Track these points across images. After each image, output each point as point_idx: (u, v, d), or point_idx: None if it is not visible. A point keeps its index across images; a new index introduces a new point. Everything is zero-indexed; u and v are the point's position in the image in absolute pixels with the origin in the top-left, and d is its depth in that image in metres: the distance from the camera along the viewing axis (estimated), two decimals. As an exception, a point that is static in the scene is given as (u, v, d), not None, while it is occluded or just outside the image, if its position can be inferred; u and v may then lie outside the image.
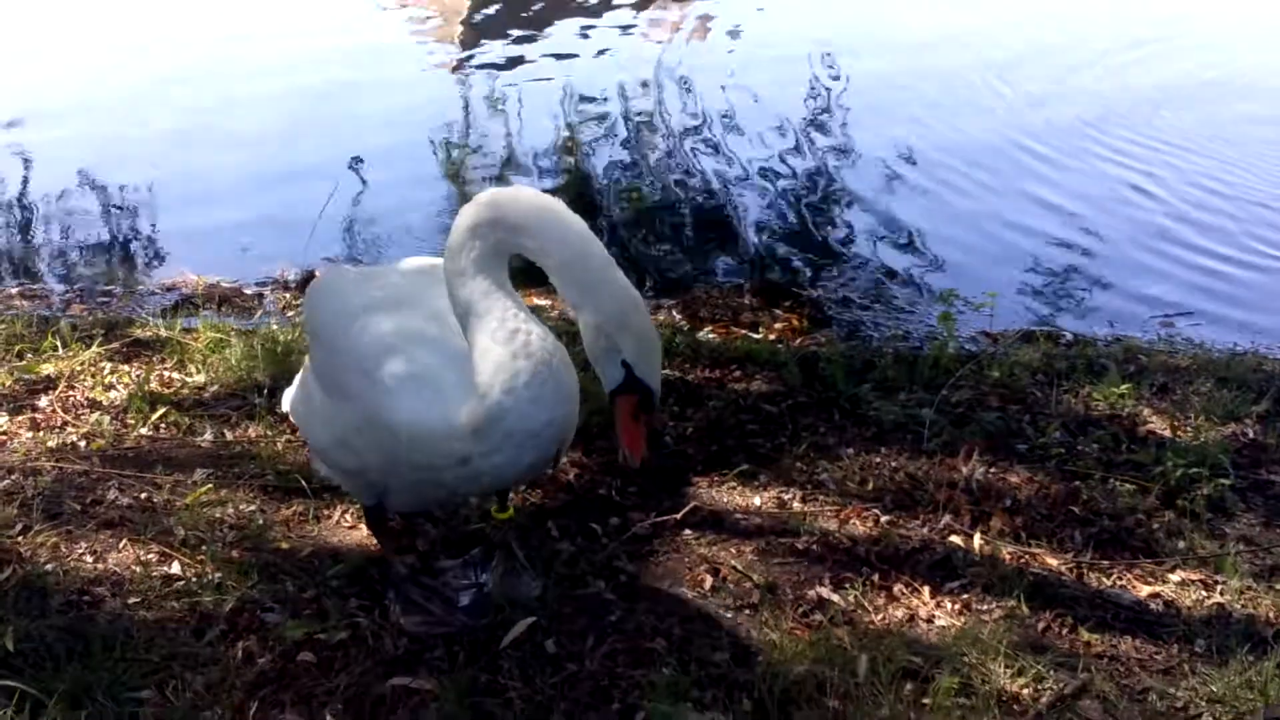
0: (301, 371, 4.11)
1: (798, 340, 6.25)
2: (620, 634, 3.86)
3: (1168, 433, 5.04)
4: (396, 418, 3.43)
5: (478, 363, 3.36)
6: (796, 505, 4.56)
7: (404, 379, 3.45)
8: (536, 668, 3.72)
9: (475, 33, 12.53)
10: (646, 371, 3.40)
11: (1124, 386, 5.35)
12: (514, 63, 11.71)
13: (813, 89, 10.58)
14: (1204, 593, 4.14)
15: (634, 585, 4.11)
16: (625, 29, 12.68)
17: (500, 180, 8.94)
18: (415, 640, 3.82)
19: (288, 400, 4.26)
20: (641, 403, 3.44)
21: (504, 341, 3.34)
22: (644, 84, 10.93)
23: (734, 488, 4.67)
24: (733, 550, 4.29)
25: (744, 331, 6.32)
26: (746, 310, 6.74)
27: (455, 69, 11.60)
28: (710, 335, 6.14)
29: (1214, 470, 4.66)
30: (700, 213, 8.27)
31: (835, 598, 4.04)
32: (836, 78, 10.80)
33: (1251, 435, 5.12)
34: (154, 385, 5.42)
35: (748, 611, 3.97)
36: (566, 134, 9.81)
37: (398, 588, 3.97)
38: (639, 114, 10.23)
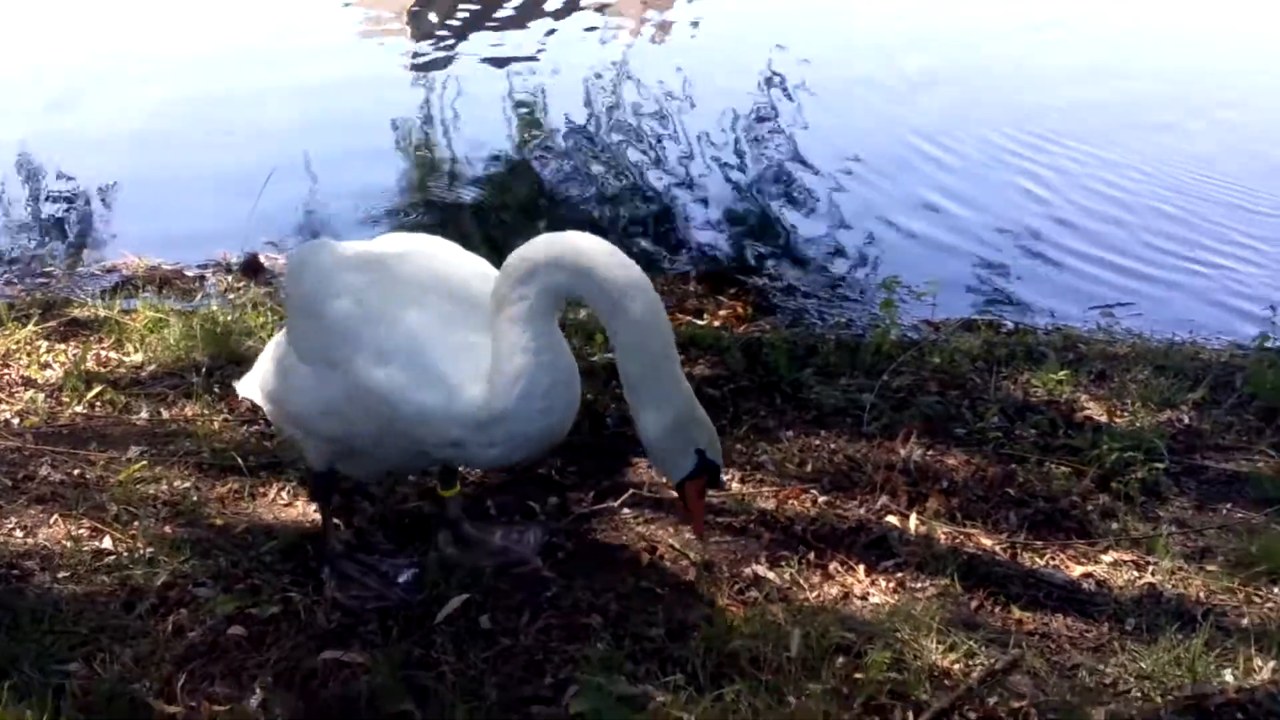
0: (271, 348, 4.06)
1: (742, 327, 6.26)
2: (556, 610, 3.86)
3: (1104, 418, 5.08)
4: (398, 395, 3.50)
5: (501, 361, 3.46)
6: (735, 485, 4.56)
7: (407, 357, 3.50)
8: (470, 642, 3.71)
9: (427, 28, 12.46)
10: (717, 453, 3.59)
11: (1062, 373, 5.39)
12: (466, 58, 11.67)
13: (761, 85, 10.59)
14: (1135, 573, 4.18)
15: (571, 562, 4.11)
16: (588, 28, 12.67)
17: (453, 166, 8.95)
18: (349, 614, 3.81)
19: (249, 383, 4.20)
20: (710, 481, 3.63)
21: (534, 351, 3.44)
22: (597, 77, 10.92)
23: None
24: (670, 529, 4.29)
25: (689, 318, 6.32)
26: (692, 298, 6.75)
27: (407, 64, 11.53)
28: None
29: (1149, 455, 4.71)
30: (648, 203, 8.29)
31: (771, 575, 4.04)
32: (784, 76, 10.82)
33: (1187, 421, 5.18)
34: (90, 364, 5.36)
35: (684, 588, 3.97)
36: (517, 126, 9.79)
37: (333, 562, 3.96)
38: (591, 107, 10.23)
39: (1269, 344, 5.62)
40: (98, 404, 5.03)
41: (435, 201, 8.35)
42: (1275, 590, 4.11)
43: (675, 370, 3.52)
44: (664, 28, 12.88)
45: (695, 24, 12.89)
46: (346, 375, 3.57)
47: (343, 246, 3.83)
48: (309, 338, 3.73)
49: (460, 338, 3.55)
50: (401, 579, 3.97)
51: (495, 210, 8.18)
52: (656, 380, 3.49)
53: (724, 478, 3.68)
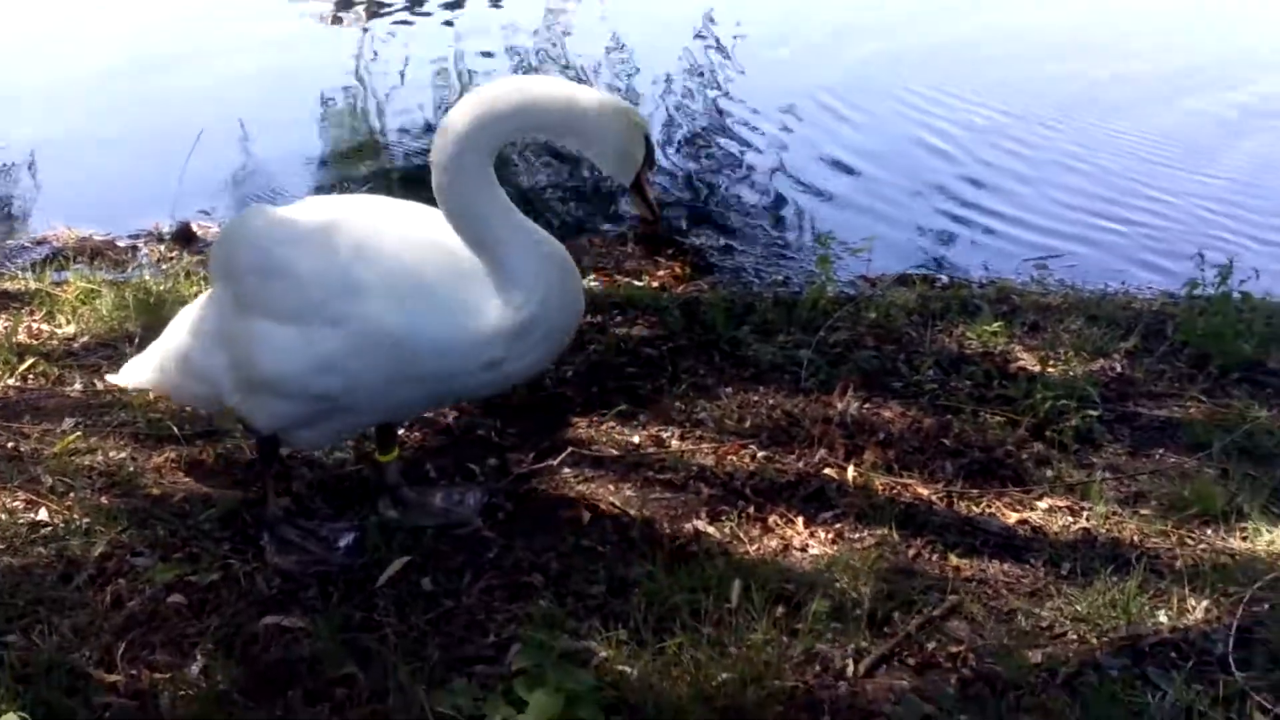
0: (194, 322, 3.99)
1: (680, 287, 6.28)
2: (497, 570, 3.87)
3: (1038, 368, 5.12)
4: (427, 334, 3.55)
5: (513, 271, 3.58)
6: (675, 443, 4.59)
7: (421, 294, 3.56)
8: (412, 604, 3.72)
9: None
10: (649, 131, 3.82)
11: (996, 325, 5.44)
12: (397, 23, 11.55)
13: (692, 46, 10.56)
14: (1070, 519, 4.24)
15: (512, 523, 4.12)
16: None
17: (384, 132, 8.89)
18: (289, 580, 3.80)
19: (144, 368, 4.18)
20: (650, 161, 3.84)
21: (534, 250, 3.62)
22: (534, 36, 10.86)
23: (613, 427, 4.68)
24: (610, 487, 4.31)
25: (627, 279, 6.32)
26: (630, 259, 6.75)
27: (334, 22, 11.43)
28: (593, 282, 6.13)
29: (1082, 403, 4.76)
30: (584, 164, 8.25)
31: (711, 530, 4.07)
32: (723, 35, 10.80)
33: (1119, 370, 5.24)
34: (22, 336, 5.30)
35: (625, 545, 3.99)
36: (452, 88, 9.72)
37: (273, 528, 3.95)
38: (528, 68, 10.17)
39: (1198, 292, 5.67)
40: (30, 376, 4.98)
41: (367, 167, 8.29)
42: (1207, 532, 4.19)
43: (592, 95, 3.69)
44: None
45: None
46: (354, 326, 3.55)
47: (283, 209, 3.84)
48: (284, 298, 3.65)
49: (450, 260, 3.62)
50: (342, 543, 3.97)
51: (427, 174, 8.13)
52: (592, 110, 3.64)
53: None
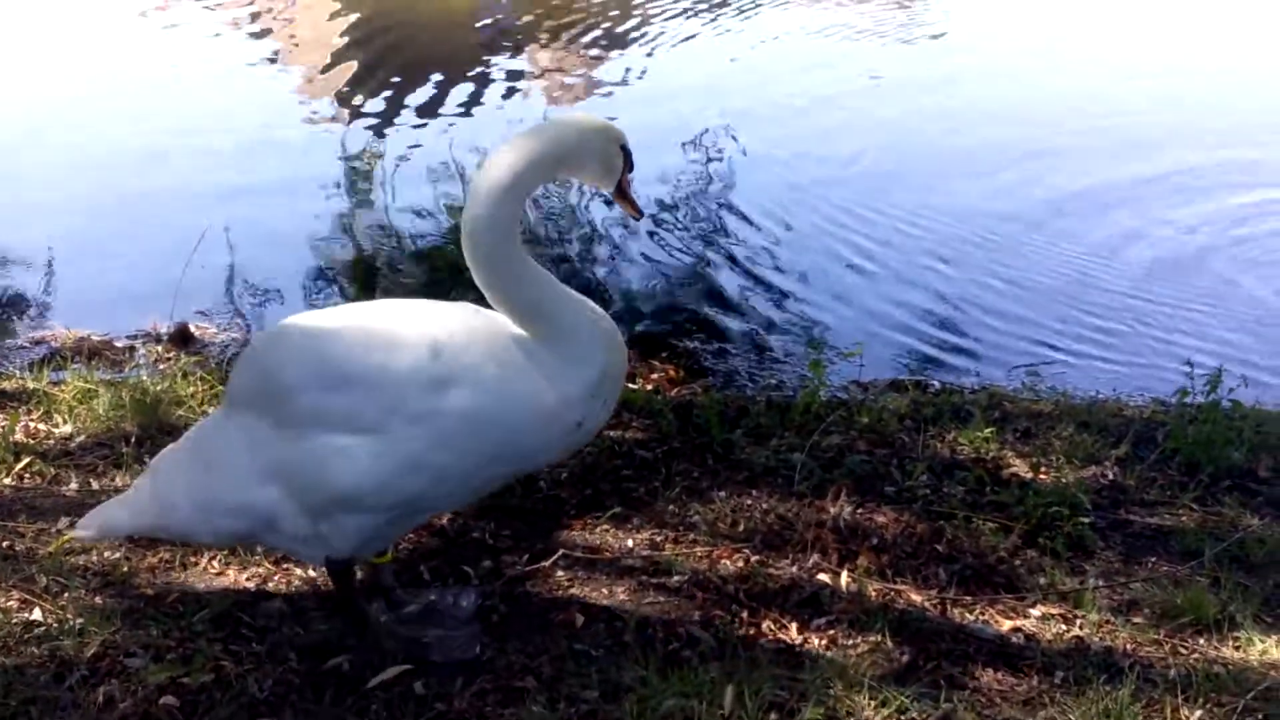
0: (210, 458, 3.82)
1: (674, 390, 6.31)
2: (490, 673, 3.86)
3: (1030, 475, 5.16)
4: (511, 412, 3.62)
5: (573, 332, 3.72)
6: (668, 546, 4.60)
7: (497, 377, 3.61)
8: (404, 707, 3.71)
9: (354, 91, 12.49)
10: (624, 140, 3.98)
11: (988, 431, 5.48)
12: (390, 120, 11.69)
13: (693, 148, 10.71)
14: (1064, 626, 4.25)
15: (505, 625, 4.12)
16: (509, 91, 12.74)
17: (385, 233, 8.96)
18: (281, 683, 3.78)
19: (121, 516, 3.98)
20: (629, 165, 4.01)
21: (580, 308, 3.77)
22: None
23: (607, 530, 4.69)
24: (604, 590, 4.31)
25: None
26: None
27: (336, 130, 11.56)
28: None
29: (1074, 510, 4.78)
30: (579, 266, 8.34)
31: (705, 635, 4.07)
32: (713, 143, 10.94)
33: (1111, 477, 5.27)
34: (19, 436, 5.31)
35: (618, 649, 3.99)
36: (446, 188, 9.83)
37: (390, 634, 3.98)
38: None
39: (1188, 400, 5.72)
40: (26, 475, 4.98)
41: (367, 268, 8.36)
42: (1200, 641, 4.20)
43: (570, 122, 3.94)
44: (589, 87, 12.96)
45: (609, 89, 12.94)
46: (440, 420, 3.55)
47: (308, 320, 3.83)
48: (354, 407, 3.57)
49: (503, 338, 3.70)
50: (465, 603, 4.13)
51: (428, 273, 8.24)
52: (575, 135, 3.85)
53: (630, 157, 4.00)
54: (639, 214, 4.19)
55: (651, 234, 8.83)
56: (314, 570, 4.35)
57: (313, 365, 3.64)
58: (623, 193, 4.01)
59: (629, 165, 3.97)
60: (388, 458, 3.56)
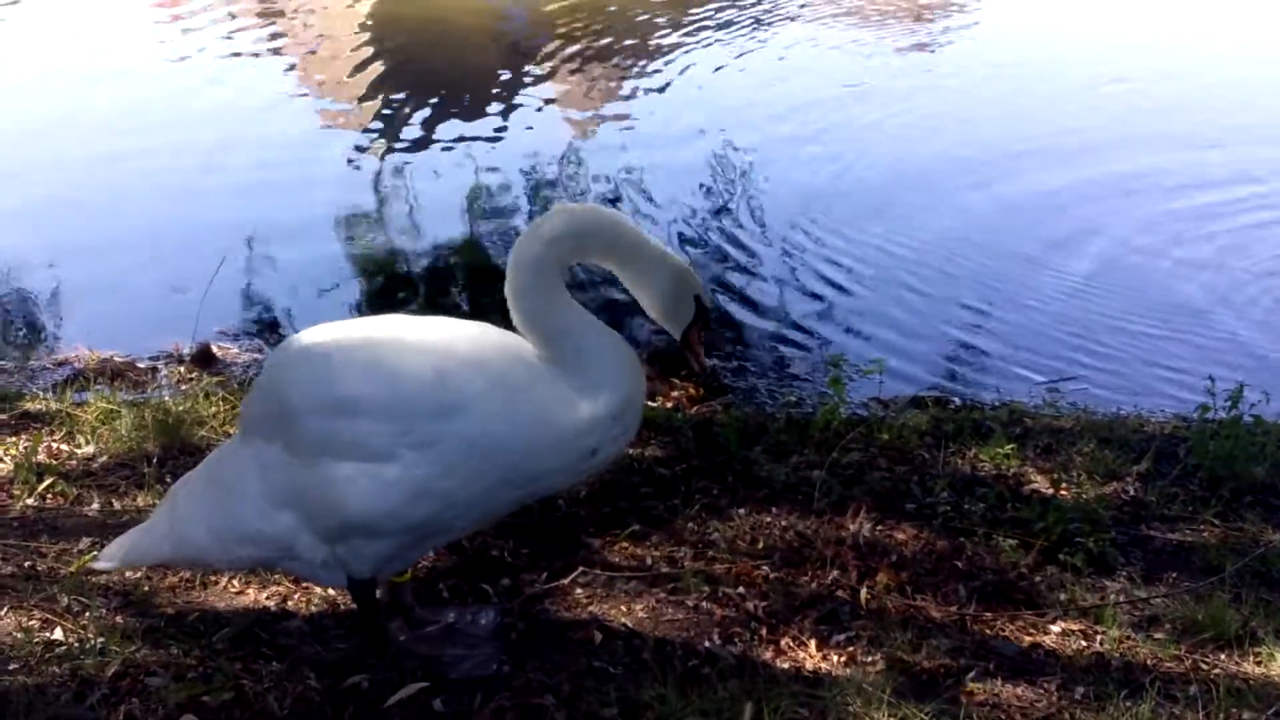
0: (226, 486, 3.84)
1: (693, 408, 6.31)
2: (509, 690, 3.86)
3: (1051, 491, 5.15)
4: (521, 437, 3.61)
5: (597, 359, 3.72)
6: (687, 564, 4.59)
7: (510, 403, 3.61)
8: (423, 726, 3.71)
9: (374, 112, 12.54)
10: (706, 295, 4.07)
11: (1009, 447, 5.47)
12: (411, 140, 11.73)
13: (712, 162, 10.73)
14: (1084, 642, 4.24)
15: (524, 643, 4.12)
16: (528, 109, 12.78)
17: (405, 255, 9.00)
18: (301, 701, 3.79)
19: (141, 547, 4.02)
20: (704, 322, 4.09)
21: (607, 339, 3.80)
22: (556, 160, 11.03)
23: (626, 547, 4.70)
24: (623, 608, 4.31)
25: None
26: (699, 381, 6.78)
27: (358, 152, 11.60)
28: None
29: (1095, 526, 4.78)
30: (598, 285, 8.34)
31: (723, 652, 4.07)
32: (732, 156, 10.96)
33: (1132, 493, 5.26)
34: (42, 456, 5.33)
35: (637, 667, 3.99)
36: (468, 212, 9.87)
37: (409, 652, 3.99)
38: (543, 192, 10.33)
39: (1210, 415, 5.70)
40: (49, 496, 5.01)
41: (387, 287, 8.40)
42: (1221, 657, 4.18)
43: (659, 245, 3.96)
44: (605, 118, 13.00)
45: (625, 101, 12.97)
46: (448, 445, 3.55)
47: (316, 338, 3.80)
48: (360, 434, 3.56)
49: (520, 361, 3.72)
50: (484, 620, 4.13)
51: (449, 291, 8.28)
52: (654, 256, 3.92)
53: (711, 316, 4.11)
54: (700, 369, 4.25)
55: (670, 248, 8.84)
56: (333, 589, 4.36)
57: (319, 391, 3.63)
58: (688, 343, 4.09)
59: (705, 321, 4.07)
60: (397, 486, 3.56)
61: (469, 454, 3.56)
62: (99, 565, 4.13)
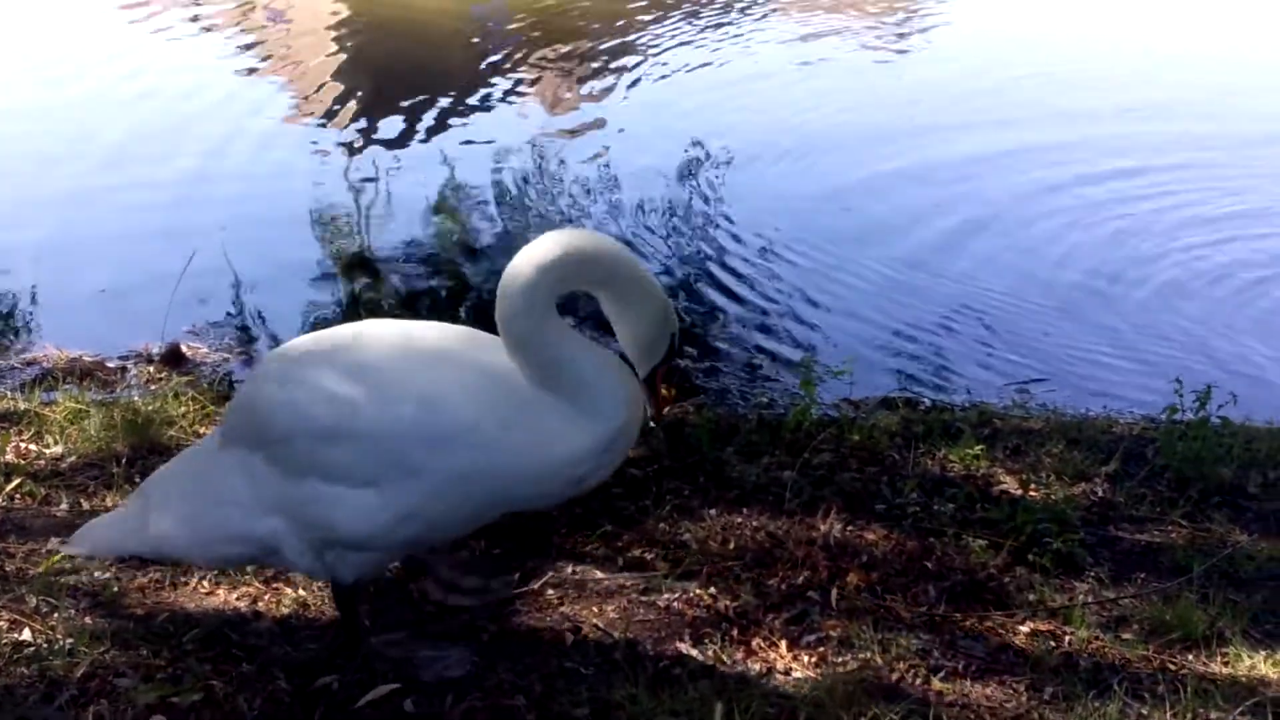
0: (213, 485, 3.82)
1: (666, 409, 6.30)
2: (480, 691, 3.86)
3: (1020, 492, 5.17)
4: (510, 469, 3.58)
5: (594, 389, 3.63)
6: (659, 564, 4.60)
7: (500, 435, 3.55)
8: (394, 727, 3.71)
9: (349, 111, 12.50)
10: (677, 336, 3.90)
11: (978, 448, 5.49)
12: (386, 141, 11.69)
13: (683, 165, 10.73)
14: (1053, 643, 4.25)
15: (495, 644, 4.12)
16: (503, 107, 12.76)
17: (375, 254, 8.98)
18: (270, 702, 3.78)
19: (116, 534, 3.99)
20: (668, 362, 3.95)
21: (606, 366, 3.69)
22: (527, 165, 11.02)
23: (597, 548, 4.70)
24: (594, 609, 4.32)
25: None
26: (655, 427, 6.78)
27: (329, 153, 11.55)
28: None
29: (1064, 527, 4.80)
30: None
31: (694, 653, 4.08)
32: (704, 157, 10.97)
33: (1101, 494, 5.29)
34: (9, 457, 5.30)
35: (608, 667, 3.99)
36: (441, 212, 9.85)
37: (378, 655, 3.97)
38: (514, 193, 10.32)
39: (1178, 417, 5.73)
40: (17, 496, 4.98)
41: (360, 287, 8.38)
42: (1189, 657, 4.21)
43: (651, 278, 3.80)
44: (576, 99, 12.98)
45: (602, 100, 12.96)
46: (438, 475, 3.53)
47: (304, 349, 3.79)
48: (348, 461, 3.56)
49: (511, 387, 3.62)
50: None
51: (419, 293, 8.26)
52: (645, 291, 3.75)
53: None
54: (658, 416, 4.08)
55: (642, 253, 8.83)
56: (303, 590, 4.36)
57: (305, 417, 3.60)
58: (652, 384, 3.90)
59: (669, 359, 3.92)
60: (385, 510, 3.57)
61: (457, 483, 3.55)
62: (68, 549, 4.11)
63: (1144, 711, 3.86)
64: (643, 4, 16.55)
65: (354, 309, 7.91)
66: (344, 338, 3.78)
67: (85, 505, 4.92)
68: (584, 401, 3.61)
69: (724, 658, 4.06)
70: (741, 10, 16.54)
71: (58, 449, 5.39)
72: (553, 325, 3.63)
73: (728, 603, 4.35)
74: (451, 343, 3.75)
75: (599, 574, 4.52)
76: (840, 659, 4.08)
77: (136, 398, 5.96)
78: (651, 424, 4.18)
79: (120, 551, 4.12)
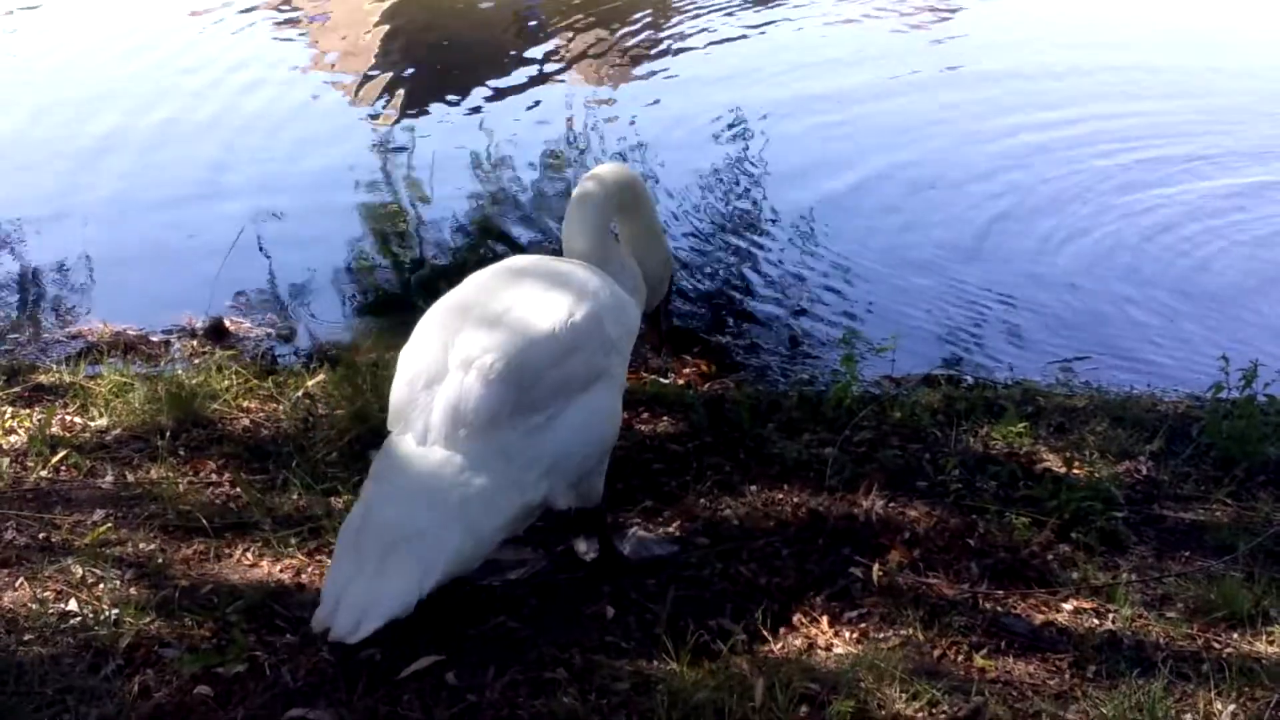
0: (482, 499, 3.88)
1: (706, 385, 6.30)
2: (521, 664, 3.88)
3: (1063, 470, 5.14)
4: (636, 318, 4.65)
5: (637, 282, 4.84)
6: (701, 540, 4.60)
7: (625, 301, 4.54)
8: (436, 699, 3.73)
9: (391, 88, 12.50)
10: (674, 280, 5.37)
11: (1021, 426, 5.45)
12: (428, 116, 11.66)
13: (725, 141, 10.68)
14: (1096, 620, 4.24)
15: (537, 618, 4.14)
16: (544, 83, 12.75)
17: (420, 227, 8.99)
18: (314, 674, 3.81)
19: (394, 595, 3.74)
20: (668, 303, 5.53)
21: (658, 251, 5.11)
22: (566, 141, 10.99)
23: (638, 524, 4.70)
24: (635, 583, 4.32)
25: (653, 377, 6.36)
26: (655, 357, 6.78)
27: (372, 126, 11.56)
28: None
29: (1108, 505, 4.78)
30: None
31: (735, 628, 4.08)
32: (747, 134, 10.91)
33: (1145, 472, 5.25)
34: (55, 429, 5.35)
35: (649, 642, 4.00)
36: (482, 187, 9.84)
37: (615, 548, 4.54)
38: (554, 167, 10.29)
39: (1223, 395, 5.68)
40: (63, 468, 5.03)
41: (404, 264, 8.39)
42: (1233, 636, 4.18)
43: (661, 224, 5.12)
44: (618, 76, 12.93)
45: (643, 78, 12.90)
46: (618, 367, 4.32)
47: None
48: (583, 365, 4.12)
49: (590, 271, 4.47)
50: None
51: (463, 267, 8.24)
52: (657, 231, 5.12)
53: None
54: (660, 344, 5.51)
55: (682, 231, 8.81)
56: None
57: (551, 347, 4.03)
58: (655, 319, 5.01)
59: (668, 299, 5.06)
60: (617, 400, 4.26)
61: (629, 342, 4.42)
62: (334, 638, 3.76)
63: (1188, 690, 3.84)
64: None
65: (401, 284, 7.92)
66: (523, 269, 4.48)
67: (130, 477, 4.97)
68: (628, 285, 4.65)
69: (765, 634, 4.06)
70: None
71: (103, 421, 5.43)
72: (609, 237, 4.68)
73: (769, 578, 4.36)
74: (576, 265, 4.48)
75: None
76: (882, 636, 4.07)
77: (180, 371, 6.00)
78: (659, 344, 5.27)
79: (405, 612, 3.78)
